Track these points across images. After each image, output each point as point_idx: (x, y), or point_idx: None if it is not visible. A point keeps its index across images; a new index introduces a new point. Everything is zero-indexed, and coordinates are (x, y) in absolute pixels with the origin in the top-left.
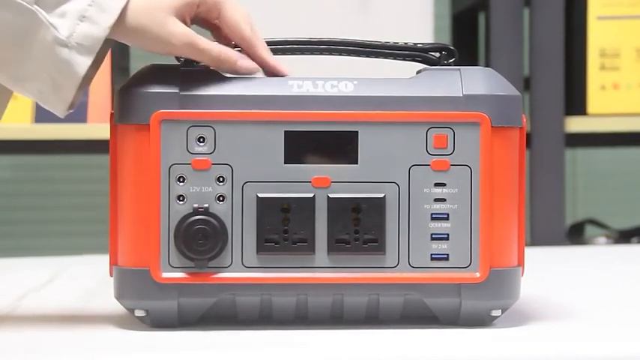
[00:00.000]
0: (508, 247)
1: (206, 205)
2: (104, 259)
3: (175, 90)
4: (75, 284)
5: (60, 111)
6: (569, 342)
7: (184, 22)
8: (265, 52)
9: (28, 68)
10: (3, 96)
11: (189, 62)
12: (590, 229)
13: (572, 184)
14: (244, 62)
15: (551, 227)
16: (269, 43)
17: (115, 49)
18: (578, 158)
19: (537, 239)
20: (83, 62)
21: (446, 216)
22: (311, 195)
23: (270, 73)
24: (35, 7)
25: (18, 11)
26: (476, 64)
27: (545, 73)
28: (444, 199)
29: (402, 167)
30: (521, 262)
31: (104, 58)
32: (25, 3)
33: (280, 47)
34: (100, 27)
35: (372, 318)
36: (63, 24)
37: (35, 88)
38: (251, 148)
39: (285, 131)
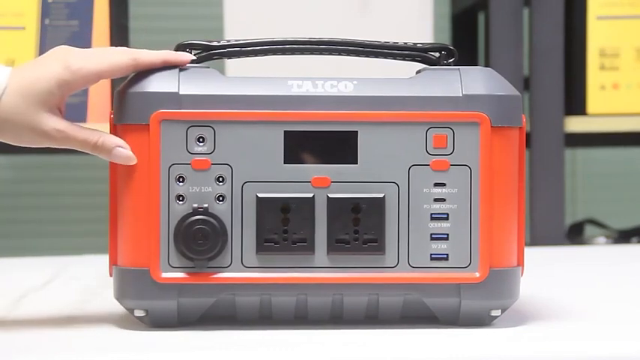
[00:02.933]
0: (508, 247)
1: (206, 205)
2: (104, 259)
3: (175, 90)
4: (75, 284)
5: None
6: (568, 342)
7: (58, 110)
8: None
9: None
10: None
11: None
12: (589, 229)
13: (571, 184)
14: (121, 151)
15: (551, 227)
16: (269, 43)
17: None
18: (578, 158)
19: (537, 239)
20: None
21: (445, 216)
22: (311, 195)
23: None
24: None
25: None
26: (476, 64)
27: (544, 73)
28: (443, 199)
29: (402, 167)
30: (520, 262)
31: None
32: None
33: (281, 47)
34: None
35: (372, 318)
36: None
37: None
38: (251, 148)
39: (285, 131)
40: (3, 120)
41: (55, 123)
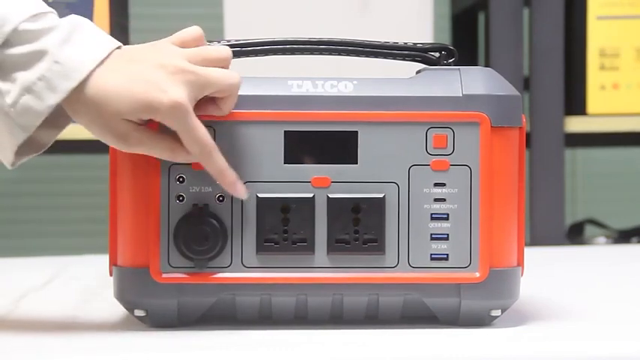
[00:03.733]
0: (508, 247)
1: (206, 205)
2: (104, 259)
3: None
4: (75, 284)
5: (6, 163)
6: (568, 342)
7: (134, 121)
8: (223, 162)
9: None
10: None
11: None
12: (589, 229)
13: (571, 184)
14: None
15: (551, 227)
16: (269, 43)
17: None
18: (578, 158)
19: (537, 239)
20: (20, 135)
21: (446, 216)
22: (311, 195)
23: (227, 183)
24: None
25: None
26: (476, 64)
27: (545, 73)
28: (443, 199)
29: (402, 167)
30: (520, 262)
31: (66, 125)
32: None
33: (281, 47)
34: (42, 103)
35: (372, 318)
36: (11, 91)
37: None
38: (251, 148)
39: (285, 131)
40: (85, 112)
41: (130, 130)
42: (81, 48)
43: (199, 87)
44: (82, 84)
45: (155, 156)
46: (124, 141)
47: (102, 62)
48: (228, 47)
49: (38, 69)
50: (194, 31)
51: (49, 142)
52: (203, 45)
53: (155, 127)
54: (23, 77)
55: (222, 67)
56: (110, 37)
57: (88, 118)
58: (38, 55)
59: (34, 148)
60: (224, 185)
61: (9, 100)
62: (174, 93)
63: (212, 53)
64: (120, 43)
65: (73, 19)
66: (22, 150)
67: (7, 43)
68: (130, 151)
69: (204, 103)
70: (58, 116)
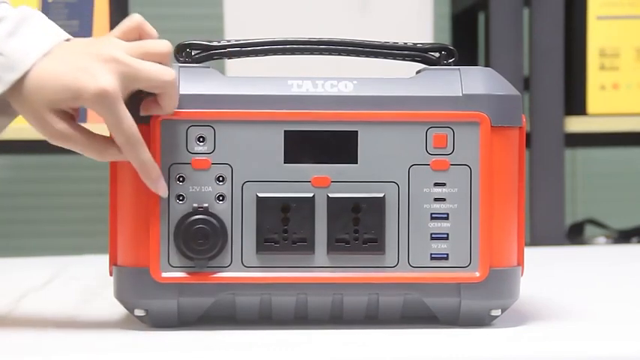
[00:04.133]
0: (508, 246)
1: (206, 205)
2: (104, 259)
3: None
4: (75, 284)
5: None
6: (568, 342)
7: (63, 111)
8: (148, 156)
9: None
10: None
11: (188, 61)
12: (589, 229)
13: (571, 184)
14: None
15: (551, 227)
16: (269, 43)
17: None
18: (578, 158)
19: (537, 239)
20: None
21: (446, 216)
22: (311, 195)
23: (150, 178)
24: None
25: None
26: (476, 64)
27: (545, 73)
28: (443, 199)
29: (402, 167)
30: (520, 262)
31: (16, 114)
32: None
33: (281, 47)
34: None
35: (372, 318)
36: None
37: None
38: (251, 148)
39: (285, 131)
40: (16, 102)
41: (56, 124)
42: (26, 40)
43: (130, 79)
44: (24, 75)
45: (83, 153)
46: (51, 133)
47: (46, 54)
48: (168, 42)
49: None
50: (132, 20)
51: (2, 128)
52: (147, 33)
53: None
54: None
55: (162, 62)
56: (59, 29)
57: (23, 108)
58: None
59: None
60: (146, 180)
61: None
62: (103, 80)
63: (151, 47)
64: (68, 36)
65: (23, 10)
66: None
67: None
68: (59, 144)
69: (148, 102)
70: (7, 105)
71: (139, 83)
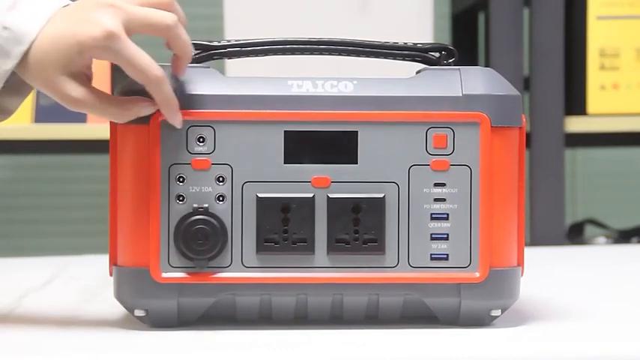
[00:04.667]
0: (508, 247)
1: (206, 205)
2: (104, 259)
3: (175, 90)
4: (75, 284)
5: None
6: (569, 342)
7: (79, 74)
8: (170, 91)
9: None
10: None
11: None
12: (589, 229)
13: (572, 184)
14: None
15: (551, 227)
16: (269, 43)
17: None
18: (578, 158)
19: (537, 239)
20: None
21: (446, 216)
22: (311, 195)
23: (172, 112)
24: None
25: None
26: (476, 64)
27: (545, 73)
28: (443, 199)
29: (402, 167)
30: (520, 262)
31: (29, 92)
32: None
33: (281, 47)
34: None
35: (372, 318)
36: None
37: None
38: (251, 148)
39: (285, 131)
40: (28, 74)
41: (70, 88)
42: (27, 11)
43: (131, 22)
44: (30, 45)
45: (102, 117)
46: (68, 100)
47: (48, 21)
48: None
49: None
50: None
51: (14, 108)
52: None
53: (157, 125)
54: None
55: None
56: None
57: (36, 79)
58: None
59: (0, 116)
60: (167, 113)
61: None
62: (105, 23)
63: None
64: (67, 1)
65: None
66: None
67: None
68: (77, 110)
69: (175, 61)
70: (20, 83)
71: (141, 27)
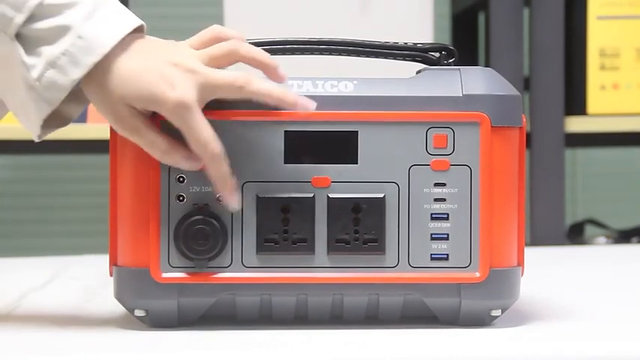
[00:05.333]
0: (508, 247)
1: (206, 205)
2: (104, 259)
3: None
4: (75, 284)
5: (33, 136)
6: (569, 342)
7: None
8: (226, 168)
9: (8, 87)
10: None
11: None
12: (590, 229)
13: (572, 184)
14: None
15: (551, 227)
16: (269, 44)
17: None
18: (578, 158)
19: (537, 239)
20: (45, 108)
21: (446, 216)
22: (311, 195)
23: (227, 191)
24: (15, 42)
25: (1, 40)
26: (476, 64)
27: (545, 73)
28: (443, 199)
29: (402, 167)
30: (521, 262)
31: (89, 102)
32: (6, 35)
33: (280, 47)
34: (66, 78)
35: (372, 318)
36: (36, 65)
37: (13, 106)
38: (251, 148)
39: (285, 131)
40: (99, 90)
41: (129, 116)
42: (104, 23)
43: (208, 90)
44: (102, 61)
45: (147, 150)
46: (121, 123)
47: (124, 47)
48: (232, 41)
49: (62, 43)
50: (211, 31)
51: (75, 115)
52: (227, 39)
53: (157, 125)
54: (48, 52)
55: (233, 61)
56: (132, 14)
57: (97, 96)
58: (62, 30)
59: (60, 122)
60: (222, 193)
61: (34, 74)
62: (183, 91)
63: (217, 52)
64: (141, 22)
65: None
66: (49, 123)
67: (33, 17)
68: (124, 135)
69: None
70: (81, 91)
71: (218, 93)
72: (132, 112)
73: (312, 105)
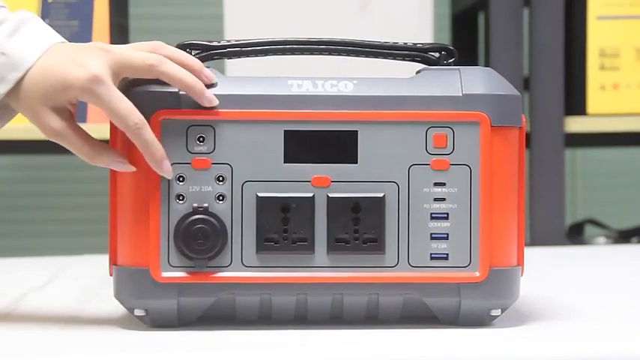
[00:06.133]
0: (508, 246)
1: (206, 205)
2: (104, 259)
3: (175, 89)
4: (75, 284)
5: None
6: (569, 342)
7: (62, 108)
8: (151, 136)
9: None
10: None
11: None
12: (589, 229)
13: (572, 184)
14: (120, 166)
15: (551, 227)
16: (269, 43)
17: None
18: (578, 158)
19: (537, 239)
20: None
21: (445, 215)
22: (311, 194)
23: (154, 159)
24: None
25: None
26: (476, 64)
27: (545, 73)
28: (443, 199)
29: (402, 167)
30: (520, 262)
31: (12, 117)
32: None
33: (281, 47)
34: None
35: (372, 318)
36: None
37: None
38: (251, 148)
39: (285, 131)
40: (15, 102)
41: (50, 120)
42: (27, 40)
43: (119, 65)
44: (25, 73)
45: (76, 153)
46: (46, 130)
47: (44, 52)
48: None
49: None
50: (150, 44)
51: (1, 126)
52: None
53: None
54: None
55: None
56: (55, 32)
57: (20, 105)
58: None
59: None
60: (150, 162)
61: None
62: (91, 67)
63: (143, 44)
64: (63, 39)
65: (21, 13)
66: None
67: None
68: (54, 141)
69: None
70: (4, 106)
71: (126, 70)
72: (54, 117)
73: (216, 102)
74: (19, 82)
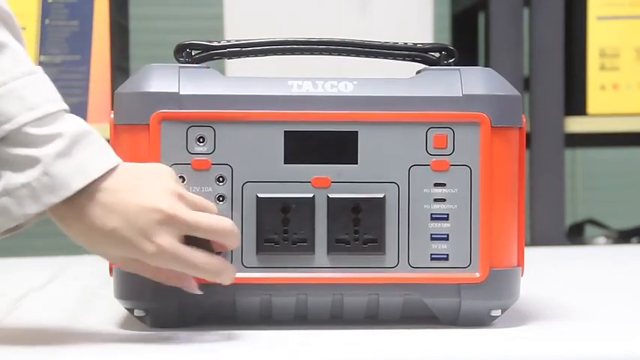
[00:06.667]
0: (508, 247)
1: None
2: (104, 259)
3: (175, 90)
4: (75, 284)
5: None
6: (569, 342)
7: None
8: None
9: None
10: None
11: (188, 61)
12: (589, 229)
13: (572, 184)
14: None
15: (551, 227)
16: (269, 44)
17: (115, 49)
18: (578, 158)
19: (537, 239)
20: (4, 224)
21: (446, 216)
22: (311, 195)
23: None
24: None
25: None
26: (476, 64)
27: (545, 73)
28: (443, 199)
29: (402, 167)
30: (520, 262)
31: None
32: None
33: (281, 47)
34: (20, 210)
35: (372, 318)
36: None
37: None
38: (251, 148)
39: (285, 131)
40: (70, 225)
41: (113, 251)
42: (75, 164)
43: (185, 231)
44: (72, 200)
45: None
46: (109, 259)
47: (94, 181)
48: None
49: (26, 176)
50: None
51: (28, 225)
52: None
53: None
54: (8, 178)
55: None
56: (110, 153)
57: (74, 231)
58: (31, 162)
59: (11, 230)
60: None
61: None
62: (160, 242)
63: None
64: (120, 160)
65: (79, 127)
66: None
67: (6, 140)
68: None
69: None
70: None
71: (197, 234)
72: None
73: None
74: (65, 206)
